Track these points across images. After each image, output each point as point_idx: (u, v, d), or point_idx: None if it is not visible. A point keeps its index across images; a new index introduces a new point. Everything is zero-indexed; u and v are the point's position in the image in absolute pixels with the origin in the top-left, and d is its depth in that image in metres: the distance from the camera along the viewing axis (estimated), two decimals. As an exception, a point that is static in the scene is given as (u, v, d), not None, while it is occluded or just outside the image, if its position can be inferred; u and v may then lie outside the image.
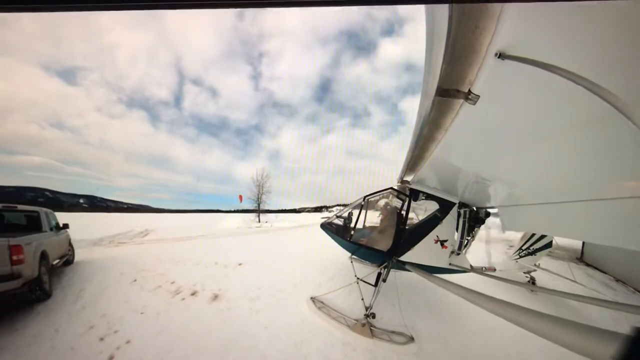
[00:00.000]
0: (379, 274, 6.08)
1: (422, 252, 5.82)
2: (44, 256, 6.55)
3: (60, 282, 7.59)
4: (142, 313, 6.14)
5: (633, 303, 3.42)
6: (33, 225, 7.41)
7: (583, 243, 13.03)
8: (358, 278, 6.43)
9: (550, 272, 8.03)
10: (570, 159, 2.84)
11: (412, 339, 5.45)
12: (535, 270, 8.26)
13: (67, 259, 8.96)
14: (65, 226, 8.93)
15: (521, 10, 1.53)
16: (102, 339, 5.16)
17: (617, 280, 9.74)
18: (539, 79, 1.83)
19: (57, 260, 7.71)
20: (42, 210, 7.89)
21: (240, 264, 10.23)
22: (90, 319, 5.79)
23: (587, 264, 12.15)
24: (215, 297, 7.08)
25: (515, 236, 9.17)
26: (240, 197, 39.48)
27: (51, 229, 7.85)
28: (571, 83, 1.68)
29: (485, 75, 2.01)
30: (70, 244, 9.56)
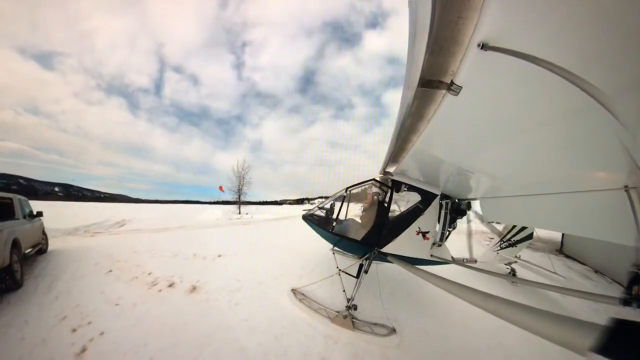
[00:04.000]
0: (361, 266, 6.05)
1: (404, 243, 5.79)
2: (15, 244, 6.43)
3: (33, 272, 7.43)
4: (117, 304, 5.98)
5: (611, 294, 3.46)
6: (5, 212, 7.21)
7: (563, 235, 13.29)
8: (340, 269, 6.38)
9: (530, 263, 8.10)
10: (551, 150, 2.85)
11: (394, 330, 5.43)
12: (516, 262, 8.34)
13: (41, 248, 8.81)
14: (39, 214, 8.80)
15: (503, 1, 1.54)
16: (74, 330, 5.02)
17: (596, 272, 9.95)
18: (521, 70, 1.84)
19: (30, 249, 7.56)
20: (16, 197, 7.74)
21: (219, 256, 10.09)
22: (63, 310, 5.65)
23: (567, 256, 12.40)
24: (194, 289, 6.95)
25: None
26: (221, 187, 39.06)
27: (24, 217, 7.74)
28: (553, 75, 1.72)
29: (468, 66, 2.03)
30: (44, 233, 9.45)
